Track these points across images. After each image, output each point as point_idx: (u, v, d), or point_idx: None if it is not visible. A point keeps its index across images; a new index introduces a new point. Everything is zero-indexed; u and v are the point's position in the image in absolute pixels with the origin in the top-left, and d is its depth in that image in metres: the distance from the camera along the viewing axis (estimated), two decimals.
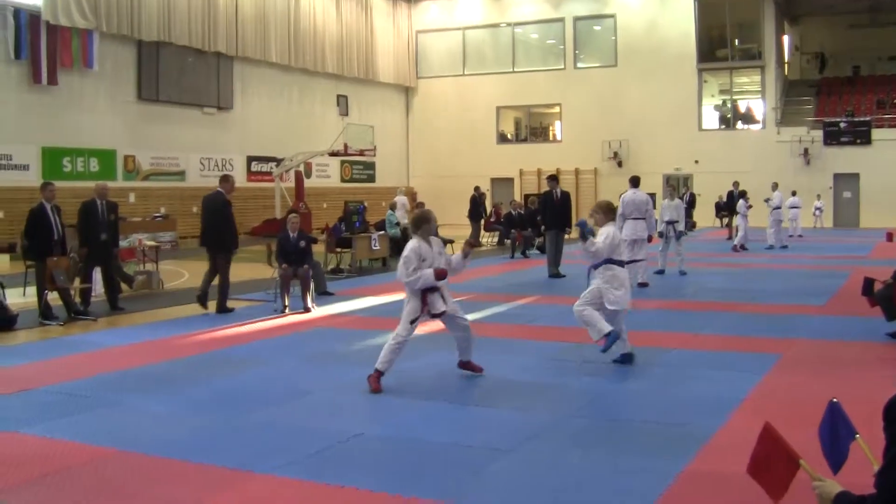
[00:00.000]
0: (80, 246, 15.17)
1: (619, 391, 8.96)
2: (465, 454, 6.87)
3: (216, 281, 14.82)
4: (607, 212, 10.37)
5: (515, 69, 45.87)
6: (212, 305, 14.79)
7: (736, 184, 31.38)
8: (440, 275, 9.01)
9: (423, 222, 9.35)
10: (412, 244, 9.15)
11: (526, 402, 8.59)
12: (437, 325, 13.14)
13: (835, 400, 4.12)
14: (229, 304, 14.94)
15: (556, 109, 45.74)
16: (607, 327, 9.65)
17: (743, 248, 26.82)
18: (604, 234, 9.98)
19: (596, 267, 10.03)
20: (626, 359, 10.11)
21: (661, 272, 19.62)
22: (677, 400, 8.53)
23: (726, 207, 32.95)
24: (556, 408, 8.28)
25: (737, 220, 28.52)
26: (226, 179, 15.65)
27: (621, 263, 10.13)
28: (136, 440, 7.24)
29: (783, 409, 8.13)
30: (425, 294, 9.17)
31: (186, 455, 6.82)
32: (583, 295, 10.05)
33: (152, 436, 7.41)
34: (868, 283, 11.76)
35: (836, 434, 4.10)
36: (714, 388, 8.98)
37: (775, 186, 29.35)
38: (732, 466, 6.49)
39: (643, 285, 17.40)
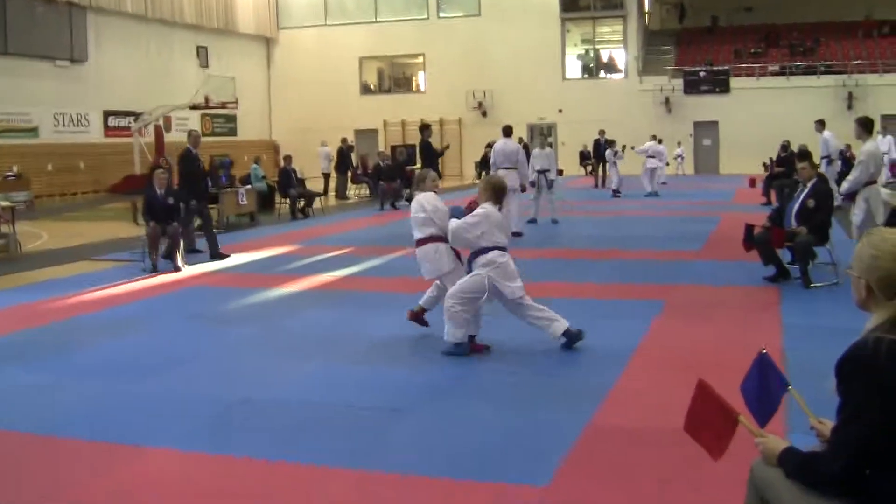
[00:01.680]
0: None
1: (511, 344, 8.76)
2: (364, 416, 6.61)
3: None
4: (497, 191, 8.68)
5: (378, 19, 45.30)
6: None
7: (602, 132, 31.66)
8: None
9: (419, 180, 9.62)
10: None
11: (418, 359, 8.36)
12: (316, 280, 12.93)
13: (764, 350, 3.98)
14: (101, 264, 14.33)
15: (420, 60, 45.41)
16: (464, 337, 8.42)
17: (617, 193, 27.51)
18: (477, 215, 8.45)
19: (475, 256, 8.44)
20: (574, 338, 8.58)
21: (533, 221, 19.62)
22: (569, 351, 8.41)
23: (593, 156, 33.25)
24: (450, 365, 8.06)
25: (608, 169, 29.19)
26: (189, 135, 16.46)
27: (504, 249, 8.52)
28: (9, 417, 6.75)
29: (675, 357, 8.12)
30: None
31: (71, 432, 6.37)
32: (460, 284, 8.44)
33: (29, 412, 6.91)
34: (749, 229, 11.85)
35: (766, 386, 3.97)
36: (605, 338, 8.87)
37: (653, 138, 30.23)
38: (636, 418, 6.43)
39: (517, 234, 17.34)
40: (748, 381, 4.02)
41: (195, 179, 15.81)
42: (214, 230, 15.66)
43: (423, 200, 9.06)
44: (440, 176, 19.11)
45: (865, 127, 12.92)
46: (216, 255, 15.27)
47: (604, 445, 5.87)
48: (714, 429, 3.75)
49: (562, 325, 8.39)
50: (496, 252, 8.35)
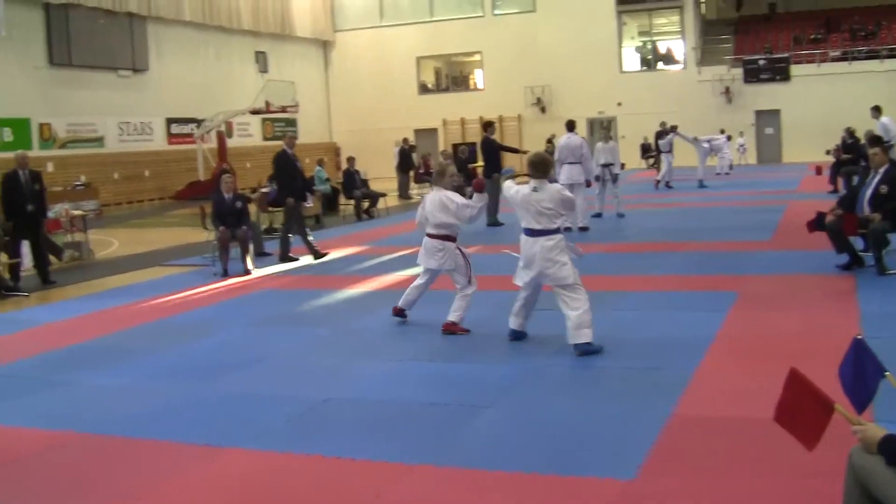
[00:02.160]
0: (5, 219, 14.53)
1: None
2: (442, 412, 6.62)
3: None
4: (532, 166, 8.41)
5: (434, 18, 45.30)
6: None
7: (663, 124, 31.41)
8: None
9: (438, 175, 9.80)
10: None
11: (493, 354, 8.35)
12: (385, 280, 12.98)
13: (859, 336, 3.92)
14: (172, 269, 14.50)
15: (477, 57, 45.31)
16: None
17: (668, 185, 27.25)
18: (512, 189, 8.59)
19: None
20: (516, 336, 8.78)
21: (598, 215, 19.50)
22: (648, 343, 8.37)
23: (655, 148, 32.97)
24: (525, 359, 8.05)
25: (662, 158, 28.78)
26: (285, 135, 16.96)
27: (528, 231, 8.37)
28: (92, 421, 6.85)
29: (754, 347, 8.04)
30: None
31: (149, 433, 6.46)
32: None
33: (109, 415, 7.01)
34: (820, 217, 11.69)
35: (861, 372, 3.90)
36: (681, 330, 8.84)
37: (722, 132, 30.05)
38: (720, 408, 6.37)
39: (584, 229, 17.34)
40: (844, 366, 3.95)
41: (290, 179, 15.83)
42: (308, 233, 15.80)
43: (446, 198, 9.39)
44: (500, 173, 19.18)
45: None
46: (286, 257, 15.35)
47: (688, 437, 5.82)
48: (808, 418, 3.68)
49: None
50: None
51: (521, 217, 8.34)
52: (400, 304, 9.86)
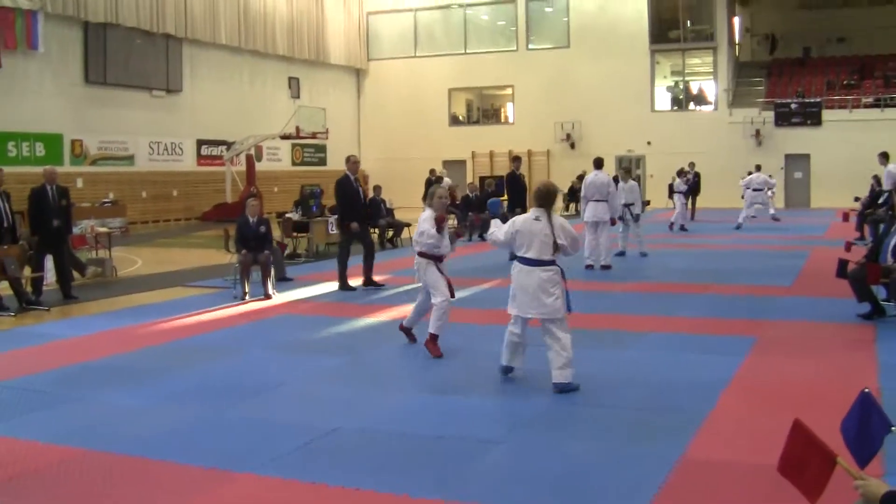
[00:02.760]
0: (31, 233, 14.65)
1: (602, 376, 8.71)
2: (454, 446, 6.60)
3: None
4: (536, 198, 8.53)
5: (467, 51, 45.51)
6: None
7: (692, 165, 31.37)
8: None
9: (430, 195, 10.12)
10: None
11: (508, 389, 8.35)
12: (403, 311, 12.97)
13: (867, 390, 3.89)
14: (194, 290, 14.55)
15: (509, 91, 45.46)
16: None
17: (683, 228, 27.29)
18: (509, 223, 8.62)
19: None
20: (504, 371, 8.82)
21: (621, 254, 19.49)
22: (663, 384, 8.34)
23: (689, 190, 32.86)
24: (540, 395, 8.03)
25: (675, 199, 28.68)
26: (348, 160, 16.05)
27: (524, 260, 8.32)
28: (105, 439, 6.88)
29: (769, 393, 8.00)
30: (435, 260, 9.93)
31: (160, 454, 6.48)
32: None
33: (122, 434, 7.04)
34: (842, 265, 11.64)
35: (866, 426, 3.87)
36: (697, 372, 8.81)
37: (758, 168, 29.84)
38: (730, 453, 6.33)
39: (606, 268, 17.33)
40: (848, 420, 3.92)
41: (352, 204, 15.68)
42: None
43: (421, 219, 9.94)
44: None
45: None
46: (345, 286, 15.25)
47: (696, 480, 5.78)
48: (811, 470, 3.66)
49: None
50: None
51: (520, 245, 8.30)
52: (405, 322, 10.44)
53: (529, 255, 8.19)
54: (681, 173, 29.25)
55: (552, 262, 8.19)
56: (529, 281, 8.19)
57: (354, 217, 15.52)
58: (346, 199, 15.72)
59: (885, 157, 23.08)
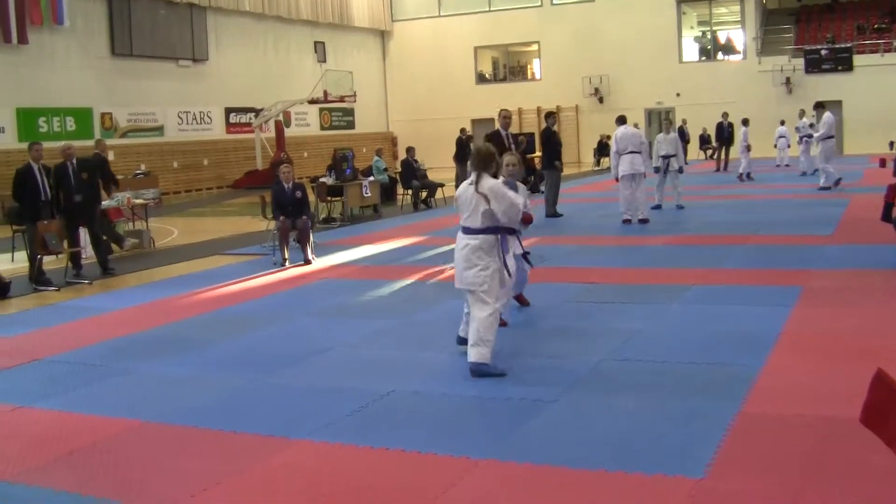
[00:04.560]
0: (57, 210, 14.67)
1: (649, 330, 8.68)
2: (507, 407, 6.59)
3: None
4: (471, 160, 7.83)
5: (492, 8, 45.20)
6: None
7: (725, 115, 31.11)
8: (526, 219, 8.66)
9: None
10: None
11: (557, 348, 8.31)
12: (445, 272, 12.96)
13: None
14: (232, 258, 14.56)
15: (535, 47, 45.18)
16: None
17: (749, 176, 27.23)
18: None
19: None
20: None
21: (658, 207, 19.39)
22: (712, 338, 8.28)
23: (717, 139, 32.61)
24: (589, 352, 7.98)
25: (740, 152, 28.31)
26: (499, 114, 15.69)
27: (461, 228, 7.73)
28: (158, 410, 6.89)
29: (820, 344, 7.93)
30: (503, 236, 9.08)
31: (214, 424, 6.48)
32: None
33: (175, 404, 7.06)
34: (888, 208, 11.53)
35: None
36: (745, 325, 8.73)
37: (802, 114, 29.21)
38: (787, 406, 6.27)
39: (644, 221, 17.25)
40: None
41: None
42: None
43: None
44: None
45: None
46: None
47: (757, 435, 5.72)
48: (894, 420, 3.60)
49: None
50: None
51: (459, 213, 7.70)
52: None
53: (463, 222, 7.58)
54: (745, 122, 28.87)
55: (482, 231, 7.44)
56: (457, 250, 7.60)
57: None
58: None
59: (821, 106, 23.34)
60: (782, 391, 6.62)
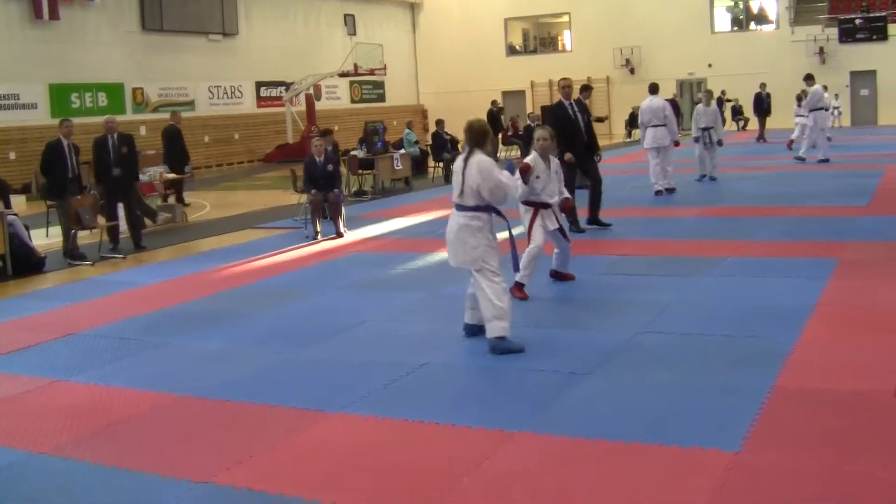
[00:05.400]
0: (95, 183, 14.76)
1: (682, 303, 8.64)
2: (541, 379, 6.59)
3: None
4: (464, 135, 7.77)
5: None
6: None
7: (763, 85, 30.83)
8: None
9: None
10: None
11: (591, 320, 8.30)
12: None
13: None
14: (264, 232, 14.60)
15: (565, 19, 44.86)
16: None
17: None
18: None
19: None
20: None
21: (702, 178, 19.24)
22: (746, 311, 8.22)
23: (755, 110, 32.26)
24: (623, 325, 7.96)
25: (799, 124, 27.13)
26: (559, 85, 13.97)
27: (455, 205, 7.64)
28: (193, 384, 6.94)
29: (855, 317, 7.86)
30: (537, 208, 9.24)
31: (249, 397, 6.52)
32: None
33: (209, 378, 7.10)
34: None
35: None
36: (780, 297, 8.68)
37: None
38: (823, 381, 6.23)
39: (671, 190, 17.28)
40: None
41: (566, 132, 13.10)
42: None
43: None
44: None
45: None
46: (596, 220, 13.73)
47: (793, 410, 5.68)
48: None
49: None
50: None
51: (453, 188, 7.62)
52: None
53: (455, 199, 7.51)
54: (800, 98, 28.06)
55: (474, 208, 7.35)
56: (450, 227, 7.54)
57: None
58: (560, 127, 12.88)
59: (811, 78, 23.48)
60: (817, 365, 6.57)
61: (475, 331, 7.72)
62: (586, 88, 18.93)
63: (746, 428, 5.37)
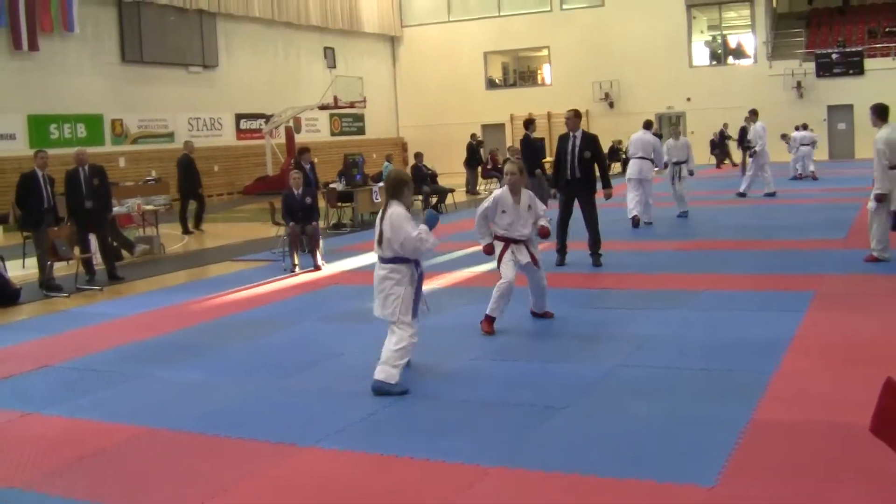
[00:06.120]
0: (68, 215, 14.66)
1: (662, 337, 8.64)
2: (518, 412, 6.57)
3: None
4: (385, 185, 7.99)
5: (501, 13, 45.17)
6: None
7: (750, 116, 30.98)
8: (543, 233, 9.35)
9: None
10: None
11: (569, 353, 8.28)
12: (456, 276, 12.95)
13: None
14: (242, 264, 14.56)
15: (545, 52, 45.14)
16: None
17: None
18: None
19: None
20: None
21: (683, 215, 19.01)
22: (724, 343, 8.24)
23: (739, 144, 32.46)
24: (602, 358, 7.96)
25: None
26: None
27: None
28: (168, 416, 6.88)
29: (833, 350, 7.87)
30: (507, 243, 9.25)
31: (224, 430, 6.47)
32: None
33: (184, 410, 7.05)
34: None
35: None
36: (758, 330, 8.70)
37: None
38: (801, 413, 6.23)
39: (648, 224, 17.56)
40: None
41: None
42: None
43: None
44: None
45: (879, 114, 12.31)
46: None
47: (769, 443, 5.67)
48: None
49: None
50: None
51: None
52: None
53: (375, 250, 7.57)
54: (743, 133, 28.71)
55: (391, 260, 7.40)
56: (374, 277, 7.60)
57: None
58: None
59: (754, 114, 24.45)
60: (795, 397, 6.57)
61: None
62: (529, 122, 18.94)
63: (723, 462, 5.36)
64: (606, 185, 13.31)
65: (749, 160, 23.59)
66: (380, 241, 7.41)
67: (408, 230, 7.23)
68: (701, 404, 6.50)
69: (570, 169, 12.98)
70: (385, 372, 7.22)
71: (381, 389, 7.18)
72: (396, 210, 7.36)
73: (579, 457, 5.61)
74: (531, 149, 19.56)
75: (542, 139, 29.62)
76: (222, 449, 6.12)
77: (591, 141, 13.17)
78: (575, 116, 13.21)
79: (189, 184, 22.17)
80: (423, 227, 7.29)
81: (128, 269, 15.17)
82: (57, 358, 9.14)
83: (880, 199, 11.94)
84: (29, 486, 5.62)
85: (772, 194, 22.30)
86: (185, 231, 21.59)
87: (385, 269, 7.43)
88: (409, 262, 7.41)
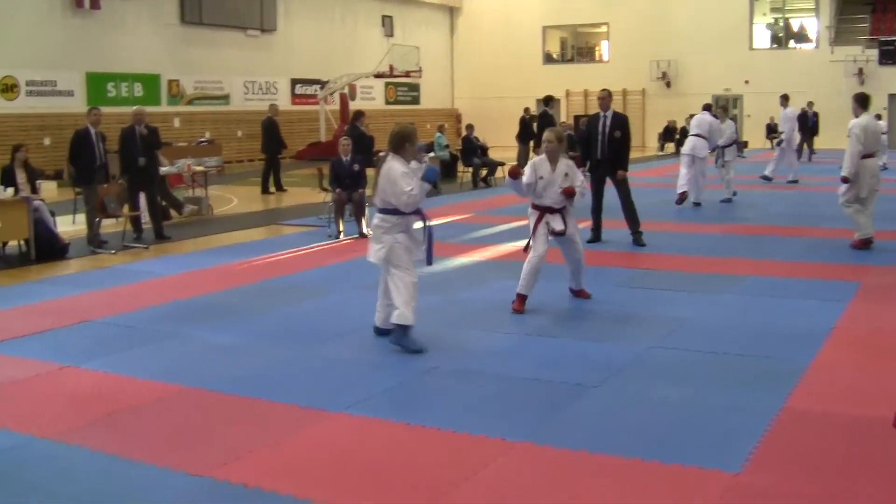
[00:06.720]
0: (121, 173, 14.84)
1: (699, 320, 8.56)
2: (547, 390, 6.54)
3: None
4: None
5: None
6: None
7: (810, 104, 30.60)
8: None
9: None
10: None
11: (604, 333, 8.24)
12: (498, 250, 12.92)
13: None
14: (288, 229, 14.65)
15: (604, 29, 44.75)
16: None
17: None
18: None
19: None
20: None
21: (728, 200, 18.85)
22: (762, 330, 8.14)
23: (801, 129, 31.97)
24: (637, 339, 7.91)
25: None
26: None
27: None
28: (200, 376, 6.95)
29: (873, 342, 7.77)
30: (542, 212, 9.16)
31: (254, 392, 6.52)
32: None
33: (217, 372, 7.11)
34: None
35: None
36: (798, 318, 8.58)
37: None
38: (833, 405, 6.15)
39: (697, 205, 17.55)
40: None
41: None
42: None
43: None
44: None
45: (861, 103, 12.51)
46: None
47: (799, 433, 5.61)
48: None
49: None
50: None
51: None
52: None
53: (374, 199, 7.88)
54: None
55: (382, 210, 7.67)
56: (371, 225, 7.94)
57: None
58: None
59: (785, 98, 24.18)
60: (829, 388, 6.50)
61: (382, 333, 8.02)
62: (549, 100, 18.98)
63: (750, 449, 5.31)
64: (624, 166, 13.22)
65: (783, 146, 23.39)
66: (375, 192, 7.73)
67: (402, 186, 7.47)
68: (733, 390, 6.43)
69: (600, 148, 12.94)
70: (401, 315, 7.57)
71: (399, 342, 7.57)
72: (394, 165, 7.58)
73: (606, 437, 5.59)
74: (549, 122, 19.78)
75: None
76: (251, 411, 6.16)
77: (621, 121, 13.21)
78: (608, 96, 13.24)
79: (272, 145, 22.93)
80: (417, 183, 7.53)
81: (175, 228, 15.33)
82: (97, 313, 9.26)
83: (845, 181, 12.44)
84: (60, 437, 5.70)
85: (794, 181, 22.15)
86: (265, 191, 22.51)
87: (378, 217, 7.75)
88: (402, 213, 7.65)
